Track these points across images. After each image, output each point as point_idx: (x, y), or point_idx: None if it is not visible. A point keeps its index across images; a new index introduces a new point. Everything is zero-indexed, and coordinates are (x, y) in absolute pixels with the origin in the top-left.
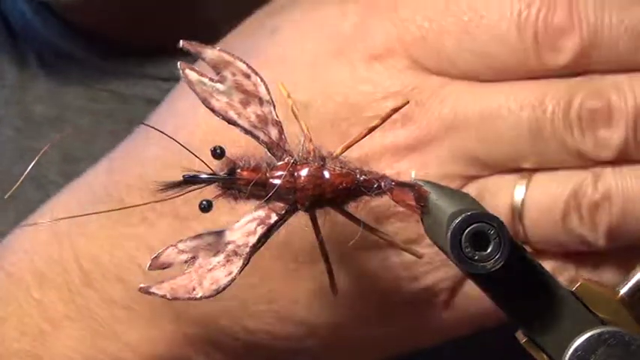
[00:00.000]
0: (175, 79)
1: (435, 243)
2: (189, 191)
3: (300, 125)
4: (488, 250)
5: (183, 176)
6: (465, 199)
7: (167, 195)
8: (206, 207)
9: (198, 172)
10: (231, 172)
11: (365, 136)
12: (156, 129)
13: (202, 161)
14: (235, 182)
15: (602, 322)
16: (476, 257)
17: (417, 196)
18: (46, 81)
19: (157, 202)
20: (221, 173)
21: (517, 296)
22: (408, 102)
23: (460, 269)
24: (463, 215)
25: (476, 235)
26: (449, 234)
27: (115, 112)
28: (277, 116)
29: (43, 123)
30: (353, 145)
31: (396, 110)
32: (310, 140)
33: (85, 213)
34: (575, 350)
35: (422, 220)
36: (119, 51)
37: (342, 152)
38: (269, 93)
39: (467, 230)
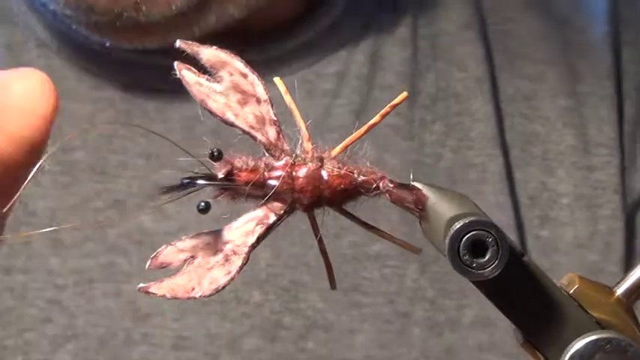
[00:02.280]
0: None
1: (433, 244)
2: (188, 194)
3: (298, 123)
4: (486, 258)
5: (182, 179)
6: (464, 202)
7: (167, 198)
8: (204, 208)
9: (196, 174)
10: (229, 173)
11: (364, 133)
12: (152, 131)
13: (201, 162)
14: (233, 184)
15: (599, 323)
16: (474, 265)
17: (415, 199)
18: (45, 66)
19: (157, 204)
20: (219, 174)
21: (515, 299)
22: (407, 96)
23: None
24: (461, 223)
25: (474, 243)
26: (447, 241)
27: (115, 100)
28: (275, 115)
29: None
30: (353, 143)
31: (394, 106)
32: (308, 139)
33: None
34: (572, 357)
35: (420, 222)
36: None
37: (342, 151)
38: (267, 92)
39: (464, 238)
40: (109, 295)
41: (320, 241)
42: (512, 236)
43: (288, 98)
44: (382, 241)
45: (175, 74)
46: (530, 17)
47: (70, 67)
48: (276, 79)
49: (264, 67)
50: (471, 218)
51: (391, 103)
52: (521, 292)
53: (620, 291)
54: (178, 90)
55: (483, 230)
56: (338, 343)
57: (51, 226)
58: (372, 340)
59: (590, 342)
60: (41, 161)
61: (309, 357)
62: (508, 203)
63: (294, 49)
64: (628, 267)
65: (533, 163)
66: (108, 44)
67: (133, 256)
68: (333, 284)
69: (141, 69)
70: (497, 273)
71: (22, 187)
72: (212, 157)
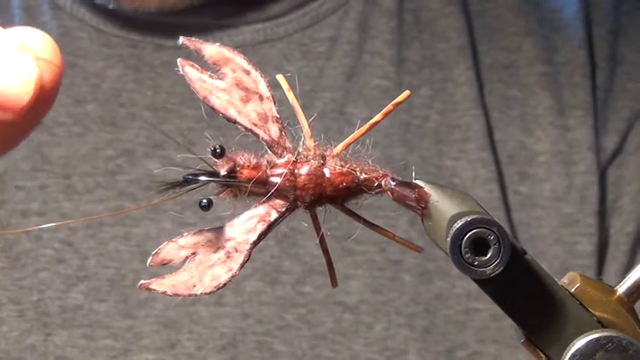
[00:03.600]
0: (187, 28)
1: (435, 242)
2: (190, 190)
3: (300, 120)
4: (488, 256)
5: (184, 176)
6: (466, 200)
7: (168, 195)
8: (206, 205)
9: (199, 171)
10: (232, 170)
11: (367, 131)
12: (160, 130)
13: (203, 160)
14: (235, 181)
15: (601, 322)
16: (476, 262)
17: (417, 197)
18: (58, 27)
19: (158, 203)
20: (221, 171)
21: (517, 298)
22: (410, 95)
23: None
24: (463, 221)
25: (476, 241)
26: (449, 239)
27: (124, 57)
28: (278, 113)
29: None
30: (354, 141)
31: (397, 104)
32: (311, 137)
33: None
34: (573, 355)
35: (422, 220)
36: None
37: (343, 149)
38: (269, 90)
39: (466, 236)
40: (118, 238)
41: (322, 239)
42: (494, 191)
43: (290, 95)
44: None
45: (178, 70)
46: None
47: (83, 28)
48: (279, 77)
49: (262, 23)
50: (473, 216)
51: (394, 102)
52: (522, 290)
53: (621, 290)
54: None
55: (485, 228)
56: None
57: (65, 173)
58: (366, 286)
59: (591, 340)
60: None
61: (307, 300)
62: (490, 159)
63: (289, 9)
64: (602, 220)
65: (512, 124)
66: (111, 6)
67: (141, 201)
68: (334, 282)
69: (149, 28)
70: (498, 271)
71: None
72: (214, 153)
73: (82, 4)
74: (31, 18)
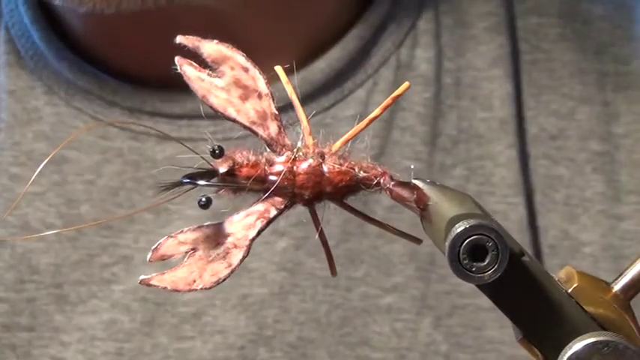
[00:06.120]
0: (188, 116)
1: (434, 242)
2: (189, 190)
3: (299, 116)
4: (486, 262)
5: (182, 178)
6: (465, 202)
7: (167, 196)
8: (205, 203)
9: (198, 170)
10: (230, 169)
11: (365, 127)
12: (167, 135)
13: (203, 158)
14: (233, 182)
15: (597, 321)
16: (473, 269)
17: (416, 199)
18: (52, 115)
19: (157, 204)
20: (220, 169)
21: (515, 299)
22: (409, 86)
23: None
24: (462, 227)
25: (474, 247)
26: (447, 244)
27: (123, 150)
28: (277, 109)
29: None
30: (353, 138)
31: (395, 98)
32: (310, 133)
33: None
34: (569, 358)
35: (421, 220)
36: (131, 86)
37: (342, 146)
38: (268, 86)
39: (464, 242)
40: (109, 355)
41: (321, 233)
42: None
43: (289, 88)
44: (394, 294)
45: (176, 69)
46: (566, 47)
47: (79, 116)
48: (277, 68)
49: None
50: (472, 222)
51: (393, 95)
52: (520, 292)
53: (617, 287)
54: (188, 138)
55: (483, 235)
56: None
57: (55, 283)
58: None
59: (587, 344)
60: (40, 167)
61: None
62: (529, 250)
63: (311, 92)
64: None
65: (554, 209)
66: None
67: (136, 314)
68: (333, 271)
69: (149, 116)
70: (496, 277)
71: (22, 192)
72: (213, 154)
73: (77, 92)
74: (19, 103)
